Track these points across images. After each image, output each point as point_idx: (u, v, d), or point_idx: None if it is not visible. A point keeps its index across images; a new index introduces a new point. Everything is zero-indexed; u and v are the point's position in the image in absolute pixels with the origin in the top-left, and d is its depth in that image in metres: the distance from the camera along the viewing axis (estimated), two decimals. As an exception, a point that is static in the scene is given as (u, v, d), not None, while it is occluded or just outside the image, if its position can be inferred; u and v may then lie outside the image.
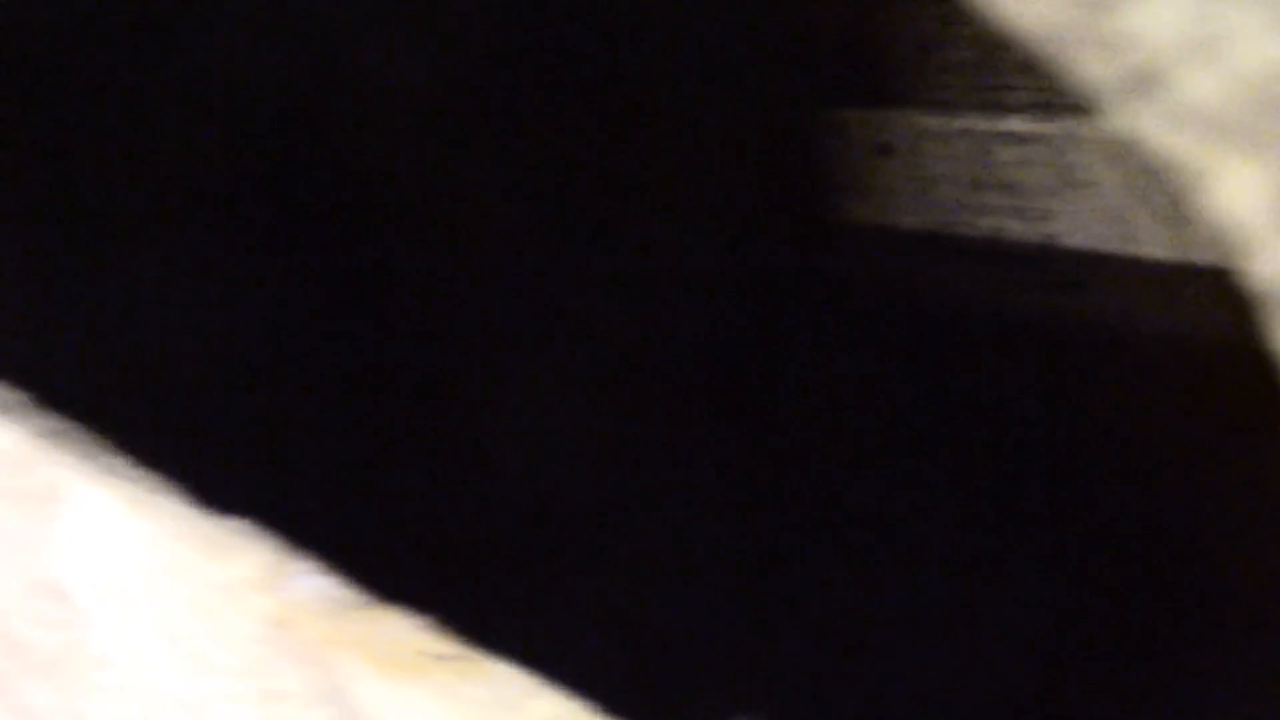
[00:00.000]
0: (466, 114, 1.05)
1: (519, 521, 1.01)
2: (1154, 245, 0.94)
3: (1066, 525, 0.97)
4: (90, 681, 0.42)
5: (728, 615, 0.99)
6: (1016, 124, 0.99)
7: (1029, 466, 1.00)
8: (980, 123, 1.02)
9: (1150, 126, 0.14)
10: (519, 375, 1.07)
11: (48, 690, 0.47)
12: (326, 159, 0.99)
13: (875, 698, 0.93)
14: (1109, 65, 0.14)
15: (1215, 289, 0.90)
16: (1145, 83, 0.14)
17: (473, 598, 0.96)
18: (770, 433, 1.12)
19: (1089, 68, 0.14)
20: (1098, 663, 0.92)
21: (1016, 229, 1.01)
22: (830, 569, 1.03)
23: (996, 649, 0.96)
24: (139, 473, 0.36)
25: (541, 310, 1.10)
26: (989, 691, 0.92)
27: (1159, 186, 0.93)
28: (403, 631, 0.27)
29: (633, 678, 1.00)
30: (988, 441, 1.03)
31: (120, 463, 0.37)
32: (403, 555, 0.97)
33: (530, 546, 1.01)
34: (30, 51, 0.83)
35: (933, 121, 1.05)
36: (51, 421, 0.40)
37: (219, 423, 0.88)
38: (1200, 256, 0.91)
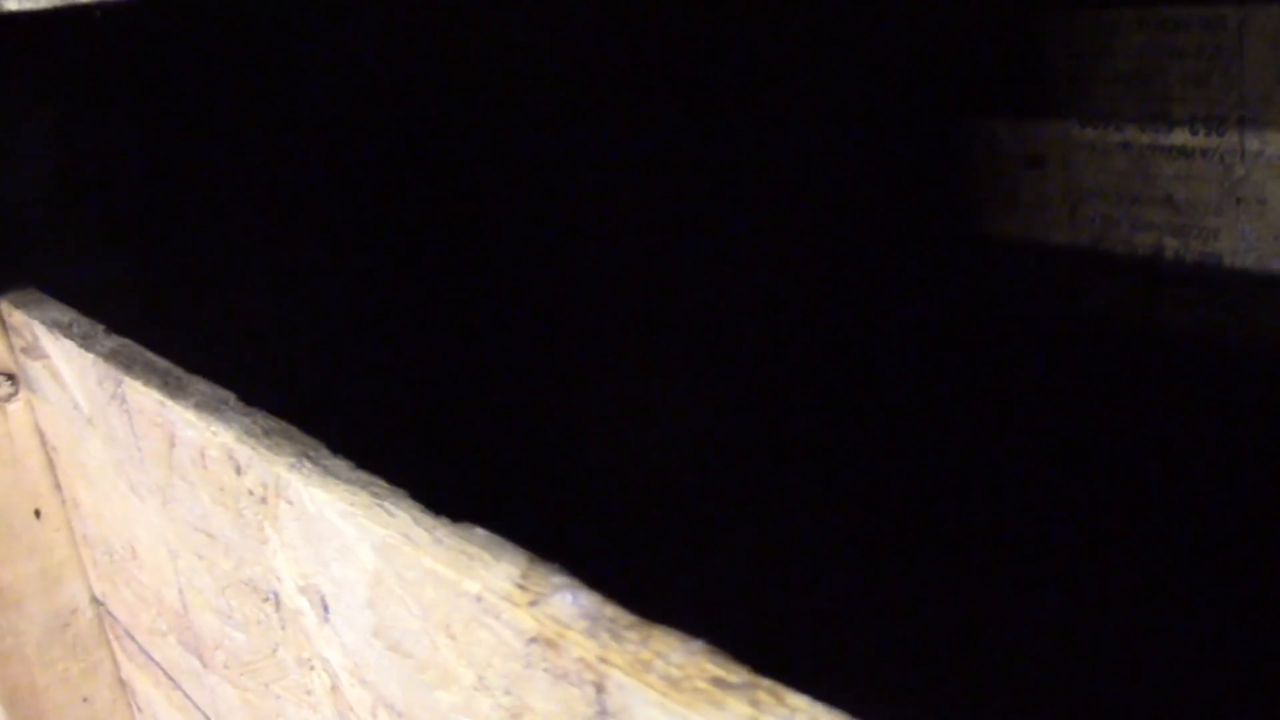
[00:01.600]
0: (590, 107, 1.04)
1: (627, 508, 0.99)
2: (1329, 266, 0.90)
3: (1224, 554, 0.93)
4: (290, 684, 0.41)
5: (833, 606, 0.96)
6: (1181, 137, 0.96)
7: (1182, 494, 0.96)
8: (1141, 135, 0.98)
9: None
10: (645, 370, 1.06)
11: (235, 690, 0.46)
12: (436, 155, 0.98)
13: (978, 696, 0.90)
14: None
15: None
16: None
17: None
18: (907, 444, 1.10)
19: None
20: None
21: (1176, 247, 0.98)
22: (939, 596, 1.00)
23: (1118, 655, 0.92)
24: (363, 475, 0.35)
25: (669, 309, 1.09)
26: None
27: (1338, 205, 0.89)
28: (681, 654, 0.25)
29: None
30: (1139, 467, 0.99)
31: (342, 464, 0.36)
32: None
33: (638, 532, 0.99)
34: (148, 58, 0.84)
35: (1088, 133, 1.01)
36: (264, 420, 0.39)
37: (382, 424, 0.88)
38: (1383, 279, 0.87)
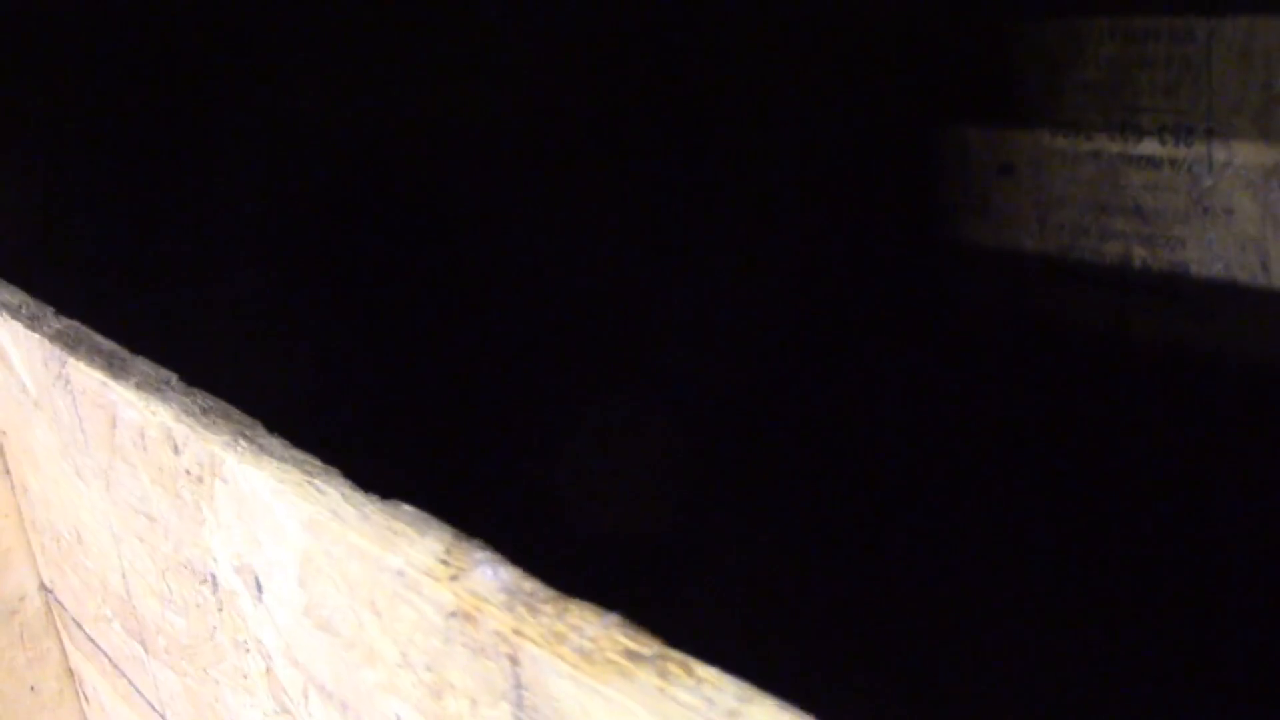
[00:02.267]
0: (561, 142, 1.04)
1: (596, 550, 0.99)
2: (1294, 276, 0.90)
3: (1191, 561, 0.93)
4: (228, 667, 0.41)
5: (809, 646, 0.96)
6: (1150, 147, 0.96)
7: (1150, 502, 0.96)
8: (1111, 144, 0.99)
9: None
10: (605, 398, 1.06)
11: (176, 676, 0.46)
12: (398, 192, 0.99)
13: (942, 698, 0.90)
14: None
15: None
16: None
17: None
18: (883, 449, 1.10)
19: None
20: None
21: (1144, 256, 0.98)
22: (917, 605, 1.00)
23: (1088, 664, 0.92)
24: (297, 453, 0.35)
25: (638, 330, 1.09)
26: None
27: (1302, 215, 0.89)
28: (596, 628, 0.25)
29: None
30: (1108, 474, 0.99)
31: (277, 443, 0.36)
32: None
33: (606, 576, 0.99)
34: (115, 99, 0.84)
35: (1059, 142, 1.02)
36: (202, 399, 0.39)
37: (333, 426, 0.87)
38: (1346, 289, 0.87)
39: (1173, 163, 0.96)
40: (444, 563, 0.28)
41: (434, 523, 0.30)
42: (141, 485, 0.42)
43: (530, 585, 0.27)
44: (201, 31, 0.87)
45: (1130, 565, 0.96)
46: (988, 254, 1.07)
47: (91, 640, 0.55)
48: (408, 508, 0.31)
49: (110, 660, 0.53)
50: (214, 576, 0.39)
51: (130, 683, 0.51)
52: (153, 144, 0.86)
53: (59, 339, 0.46)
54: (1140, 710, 0.87)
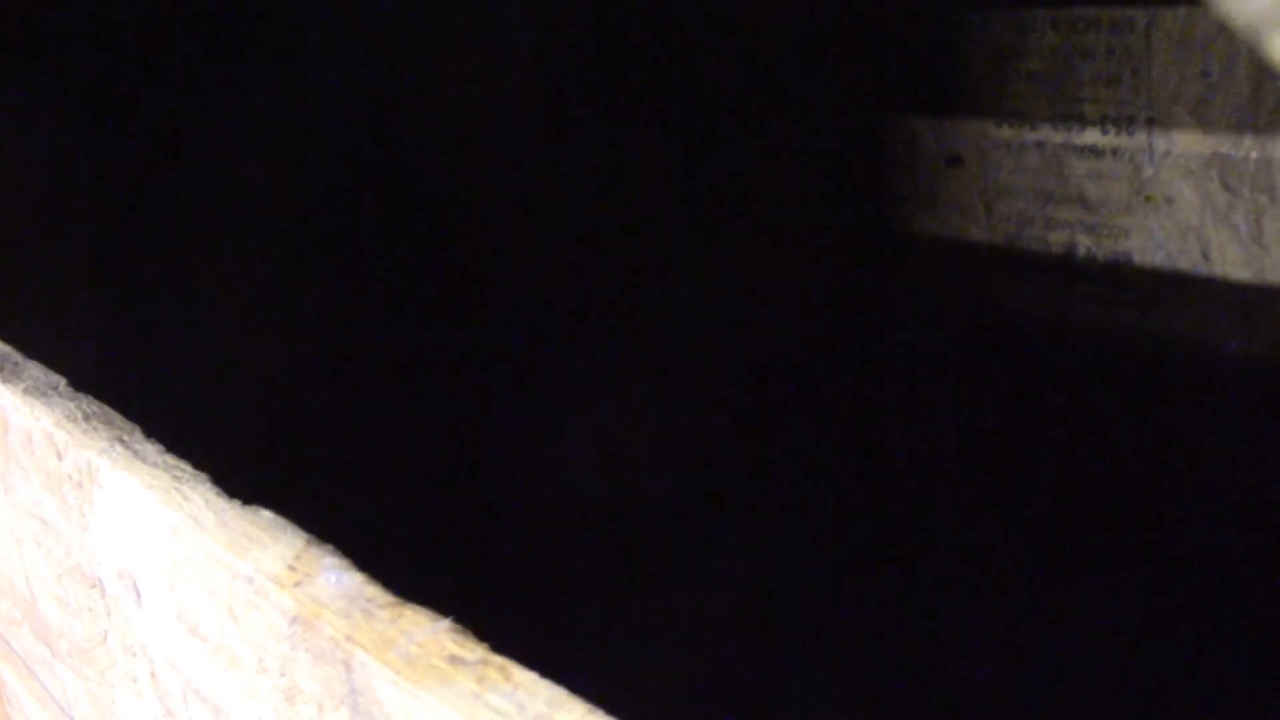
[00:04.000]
0: (542, 130, 1.04)
1: (596, 533, 1.00)
2: (1233, 265, 0.91)
3: (1138, 543, 0.94)
4: (120, 672, 0.41)
5: (801, 629, 0.97)
6: (1093, 136, 0.97)
7: (1096, 485, 0.97)
8: (1054, 134, 0.99)
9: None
10: (588, 383, 1.06)
11: (78, 679, 0.46)
12: (407, 175, 0.99)
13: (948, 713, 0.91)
14: None
15: (1296, 311, 0.87)
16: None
17: (552, 609, 0.95)
18: (836, 443, 1.10)
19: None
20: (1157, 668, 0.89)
21: (1088, 244, 0.98)
22: (900, 580, 1.01)
23: (1061, 657, 0.93)
24: (170, 459, 0.35)
25: (606, 314, 1.09)
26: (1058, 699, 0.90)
27: (1240, 204, 0.90)
28: (426, 633, 0.25)
29: (706, 690, 0.98)
30: (1055, 459, 1.00)
31: (152, 448, 0.36)
32: (474, 579, 0.97)
33: (607, 558, 1.00)
34: (115, 74, 0.84)
35: (1004, 132, 1.02)
36: (87, 404, 0.39)
37: (287, 423, 0.87)
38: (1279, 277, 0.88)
39: (1115, 152, 0.97)
40: (291, 569, 0.29)
41: (289, 529, 0.30)
42: (34, 490, 0.42)
43: (372, 591, 0.27)
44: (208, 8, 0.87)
45: (1078, 552, 0.97)
46: (936, 244, 1.08)
47: (7, 642, 0.55)
48: (266, 513, 0.31)
49: (24, 662, 0.53)
50: (101, 581, 0.39)
51: (43, 685, 0.51)
52: (155, 121, 0.86)
53: (-43, 344, 0.46)
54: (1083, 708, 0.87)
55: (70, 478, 0.38)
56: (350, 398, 0.94)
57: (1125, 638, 0.91)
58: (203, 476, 0.34)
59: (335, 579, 0.28)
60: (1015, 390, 1.03)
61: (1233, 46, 0.87)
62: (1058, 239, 1.00)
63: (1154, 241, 0.95)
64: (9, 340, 0.46)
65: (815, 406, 1.11)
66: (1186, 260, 0.94)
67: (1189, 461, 0.93)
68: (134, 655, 0.39)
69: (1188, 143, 0.92)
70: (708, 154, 1.12)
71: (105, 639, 0.41)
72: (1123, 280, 0.97)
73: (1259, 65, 0.87)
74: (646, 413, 1.06)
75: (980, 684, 0.90)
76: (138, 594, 0.37)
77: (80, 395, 0.40)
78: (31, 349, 0.45)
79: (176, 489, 0.33)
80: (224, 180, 0.89)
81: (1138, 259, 0.96)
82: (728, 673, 0.96)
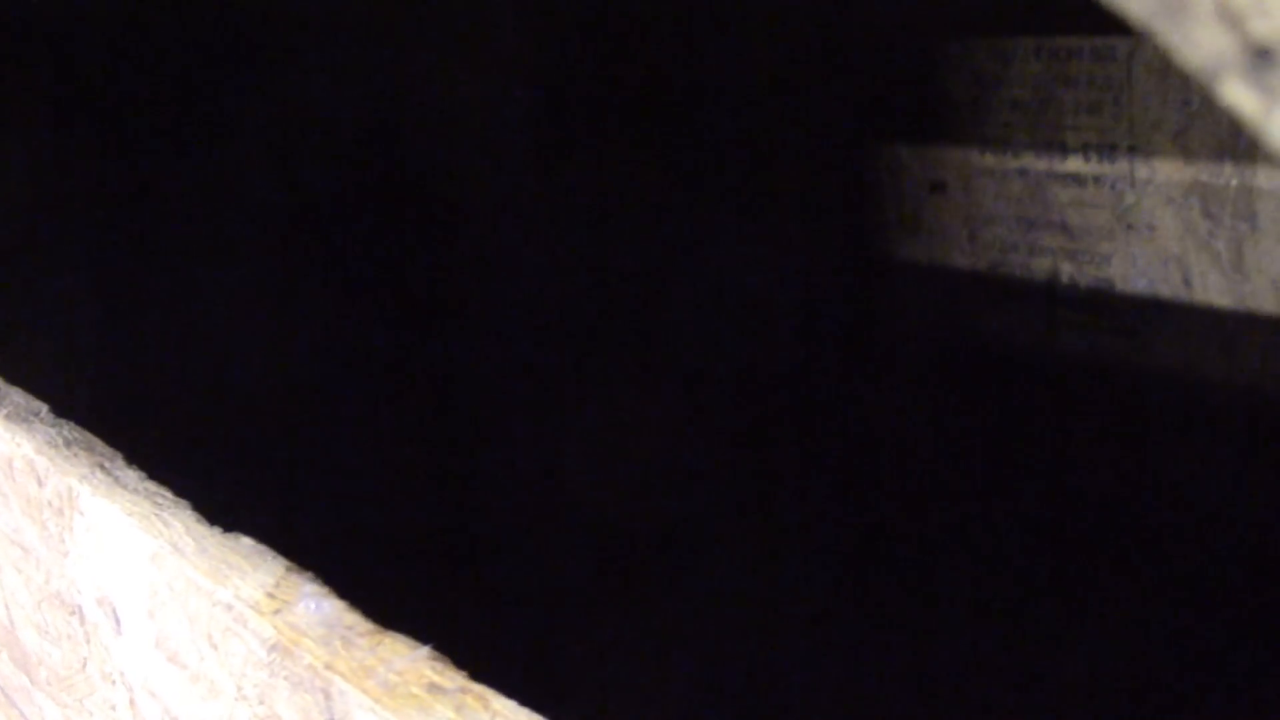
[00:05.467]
0: (538, 143, 1.05)
1: (590, 546, 0.99)
2: (1214, 292, 0.91)
3: (1119, 569, 0.94)
4: (99, 700, 0.41)
5: (796, 643, 0.97)
6: (1075, 164, 0.97)
7: (1079, 511, 0.97)
8: (1037, 162, 1.00)
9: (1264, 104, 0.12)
10: (580, 400, 1.06)
11: (57, 707, 0.46)
12: (403, 184, 0.99)
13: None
14: (1227, 33, 0.12)
15: (1277, 337, 0.88)
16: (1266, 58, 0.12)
17: (548, 620, 0.95)
18: (824, 466, 1.10)
19: (1201, 35, 0.13)
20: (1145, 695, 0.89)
21: (1071, 271, 0.99)
22: (890, 595, 1.01)
23: (1049, 679, 0.93)
24: (150, 485, 0.35)
25: (600, 327, 1.09)
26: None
27: (1221, 231, 0.91)
28: (405, 661, 0.25)
29: (704, 703, 0.98)
30: (1036, 486, 1.00)
31: (133, 474, 0.36)
32: (468, 587, 0.97)
33: (601, 571, 1.00)
34: (113, 81, 0.84)
35: (988, 159, 1.03)
36: (69, 431, 0.39)
37: (284, 443, 0.87)
38: (1263, 305, 0.88)
39: (1097, 180, 0.97)
40: (270, 596, 0.28)
41: (269, 556, 0.30)
42: (14, 516, 0.42)
43: (351, 619, 0.27)
44: (206, 13, 0.87)
45: (1058, 575, 0.97)
46: (920, 270, 1.08)
47: (-14, 670, 0.54)
48: (246, 541, 0.31)
49: (2, 691, 0.53)
50: (80, 608, 0.39)
51: (21, 713, 0.51)
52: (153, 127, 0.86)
53: (-62, 370, 0.45)
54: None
55: (50, 504, 0.38)
56: (346, 407, 0.94)
57: (1110, 661, 0.92)
58: (183, 503, 0.34)
59: (314, 606, 0.28)
60: (997, 416, 1.03)
61: (1212, 76, 0.88)
62: (1040, 265, 1.01)
63: (1136, 268, 0.96)
64: (5, 363, 0.46)
65: (803, 428, 1.12)
66: (1168, 287, 0.94)
67: (1171, 488, 0.94)
68: (113, 683, 0.39)
69: (1169, 170, 0.93)
70: (699, 176, 1.13)
71: (84, 666, 0.41)
72: (1105, 307, 0.97)
73: (1238, 94, 0.87)
74: (642, 425, 1.06)
75: (976, 699, 0.90)
76: (117, 621, 0.37)
77: (62, 421, 0.40)
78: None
79: (157, 515, 0.33)
80: (221, 193, 0.89)
81: (1120, 286, 0.97)
82: (725, 684, 0.96)
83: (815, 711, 0.93)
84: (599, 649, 0.94)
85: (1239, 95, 0.12)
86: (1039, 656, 0.94)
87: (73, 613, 0.40)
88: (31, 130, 0.82)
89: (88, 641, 0.40)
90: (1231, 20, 0.12)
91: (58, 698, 0.45)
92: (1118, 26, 0.94)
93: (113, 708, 0.40)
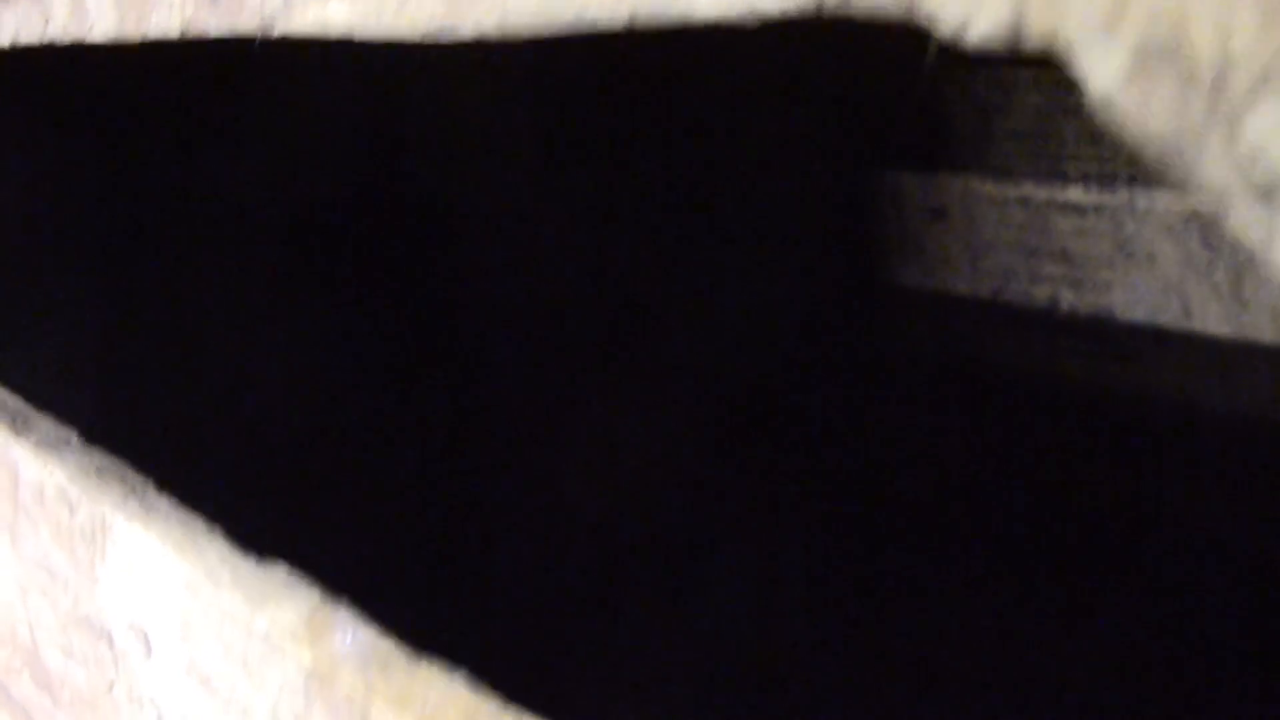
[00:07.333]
0: (538, 157, 1.06)
1: (590, 561, 1.00)
2: (1213, 321, 0.92)
3: (1117, 596, 0.95)
4: (125, 721, 0.42)
5: (795, 652, 0.97)
6: (1076, 194, 0.99)
7: (1076, 538, 0.98)
8: (1038, 191, 1.01)
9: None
10: (580, 419, 1.07)
11: (82, 728, 0.46)
12: (405, 196, 1.00)
13: None
14: (1233, 172, 0.13)
15: (1275, 367, 0.89)
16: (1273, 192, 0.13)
17: (548, 636, 0.95)
18: (820, 486, 1.11)
19: (1210, 173, 0.14)
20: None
21: (1071, 299, 1.00)
22: (886, 615, 1.01)
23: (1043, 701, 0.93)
24: (183, 513, 0.36)
25: (597, 355, 1.10)
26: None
27: (1220, 262, 0.92)
28: (445, 689, 0.26)
29: (704, 708, 0.98)
30: (1034, 511, 1.01)
31: (165, 502, 0.37)
32: (471, 598, 0.97)
33: (601, 587, 1.00)
34: (115, 98, 0.85)
35: (989, 187, 1.04)
36: (99, 458, 0.40)
37: (286, 465, 0.88)
38: (1261, 335, 0.90)
39: (1097, 209, 0.99)
40: (307, 624, 0.29)
41: (302, 585, 0.31)
42: (43, 541, 0.43)
43: (385, 646, 0.28)
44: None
45: (1055, 599, 0.98)
46: (921, 296, 1.09)
47: (6, 690, 0.55)
48: (280, 571, 0.32)
49: (24, 710, 0.54)
50: (110, 633, 0.40)
51: (41, 734, 0.52)
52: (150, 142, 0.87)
53: (-34, 396, 0.46)
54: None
55: (82, 531, 0.39)
56: (350, 416, 0.95)
57: (1105, 682, 0.92)
58: (217, 530, 0.35)
59: (350, 636, 0.29)
60: (997, 442, 1.04)
61: (1211, 108, 0.90)
62: (1041, 293, 1.02)
63: (1136, 297, 0.97)
64: (18, 390, 0.47)
65: (802, 451, 1.12)
66: (1168, 316, 0.95)
67: (1169, 515, 0.95)
68: (140, 706, 0.40)
69: (1168, 200, 0.94)
70: (700, 198, 1.14)
71: (111, 689, 0.42)
72: (1105, 335, 0.99)
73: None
74: (640, 445, 1.07)
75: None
76: (148, 646, 0.37)
77: (92, 449, 0.41)
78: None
79: (191, 543, 0.34)
80: (223, 203, 0.90)
81: (1120, 314, 0.98)
82: (725, 693, 0.97)
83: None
84: (600, 656, 0.94)
85: (1244, 226, 0.13)
86: (1035, 678, 0.94)
87: (101, 637, 0.41)
88: (31, 139, 0.83)
89: (116, 665, 0.41)
90: (1238, 163, 0.13)
91: (81, 717, 0.46)
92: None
93: (138, 731, 0.41)
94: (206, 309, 0.91)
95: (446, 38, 0.25)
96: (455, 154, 1.01)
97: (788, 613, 1.02)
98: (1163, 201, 0.95)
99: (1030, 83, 1.00)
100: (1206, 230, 0.92)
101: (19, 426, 0.43)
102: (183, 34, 0.34)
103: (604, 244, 1.11)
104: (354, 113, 0.96)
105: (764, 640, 0.99)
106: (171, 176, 0.90)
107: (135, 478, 0.38)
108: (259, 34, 0.31)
